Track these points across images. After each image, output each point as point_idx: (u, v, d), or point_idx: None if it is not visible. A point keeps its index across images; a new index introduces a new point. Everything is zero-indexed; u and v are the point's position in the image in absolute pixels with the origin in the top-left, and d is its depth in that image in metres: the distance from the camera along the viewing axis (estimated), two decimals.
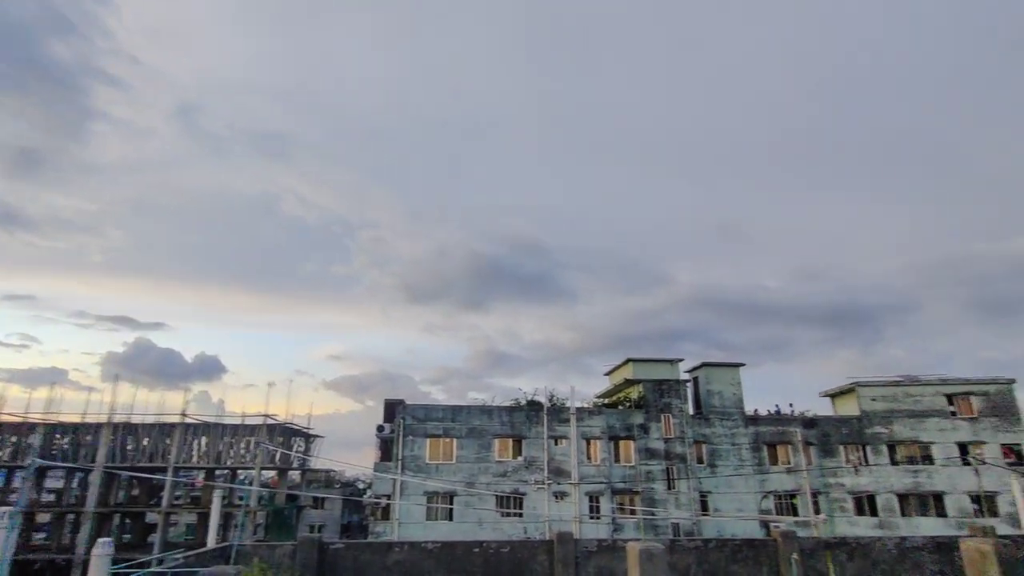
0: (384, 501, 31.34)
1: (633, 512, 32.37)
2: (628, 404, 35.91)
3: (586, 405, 37.08)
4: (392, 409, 33.53)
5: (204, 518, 38.20)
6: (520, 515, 31.74)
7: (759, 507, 33.40)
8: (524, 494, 32.07)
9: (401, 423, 32.55)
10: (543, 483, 32.16)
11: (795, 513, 33.54)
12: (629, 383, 36.82)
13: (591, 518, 32.06)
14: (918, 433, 35.59)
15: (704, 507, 33.43)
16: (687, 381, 36.49)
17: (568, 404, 34.19)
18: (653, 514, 31.90)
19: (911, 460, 35.20)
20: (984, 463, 33.52)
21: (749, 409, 36.61)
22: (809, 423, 36.13)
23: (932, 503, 34.14)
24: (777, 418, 36.63)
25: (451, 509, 31.40)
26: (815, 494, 33.93)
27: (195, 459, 38.81)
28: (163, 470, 36.41)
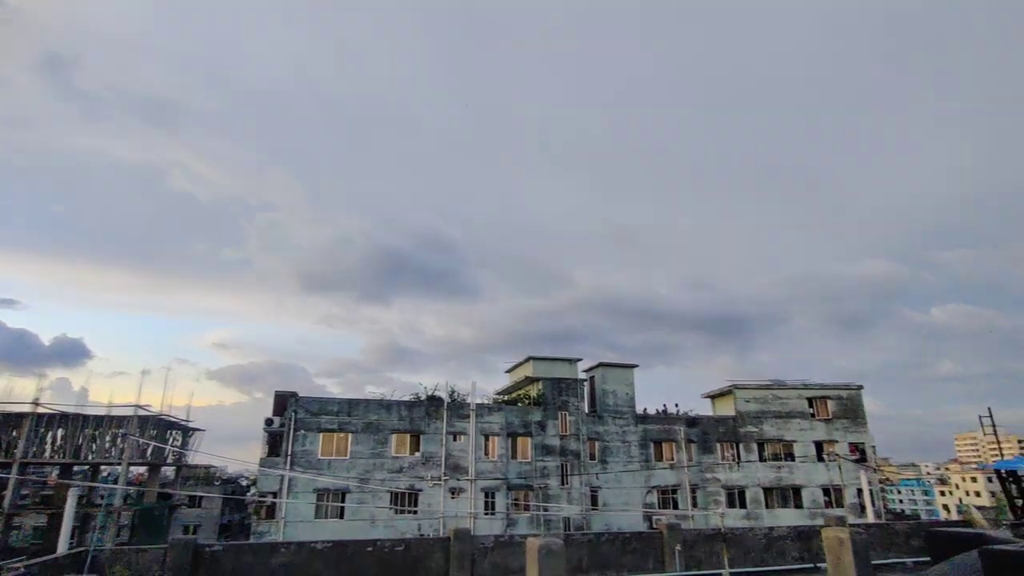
0: (270, 499, 29.60)
1: (527, 507, 32.99)
2: (527, 401, 36.53)
3: (486, 401, 37.27)
4: (283, 401, 31.72)
5: (57, 520, 34.07)
6: (415, 512, 31.28)
7: (644, 501, 35.30)
8: (420, 490, 31.63)
9: (292, 416, 30.91)
10: (440, 479, 31.91)
11: (676, 506, 35.82)
12: (529, 381, 37.47)
13: (486, 514, 32.26)
14: (783, 432, 39.26)
15: (594, 502, 34.77)
16: (584, 380, 37.77)
17: (468, 400, 34.17)
18: (547, 509, 32.70)
19: (776, 457, 38.79)
20: (836, 459, 37.68)
21: (639, 409, 38.56)
22: (692, 422, 38.69)
23: (791, 495, 37.85)
24: (664, 417, 38.88)
25: (342, 507, 30.29)
26: (694, 488, 36.44)
27: (48, 454, 34.49)
28: (7, 466, 32.02)
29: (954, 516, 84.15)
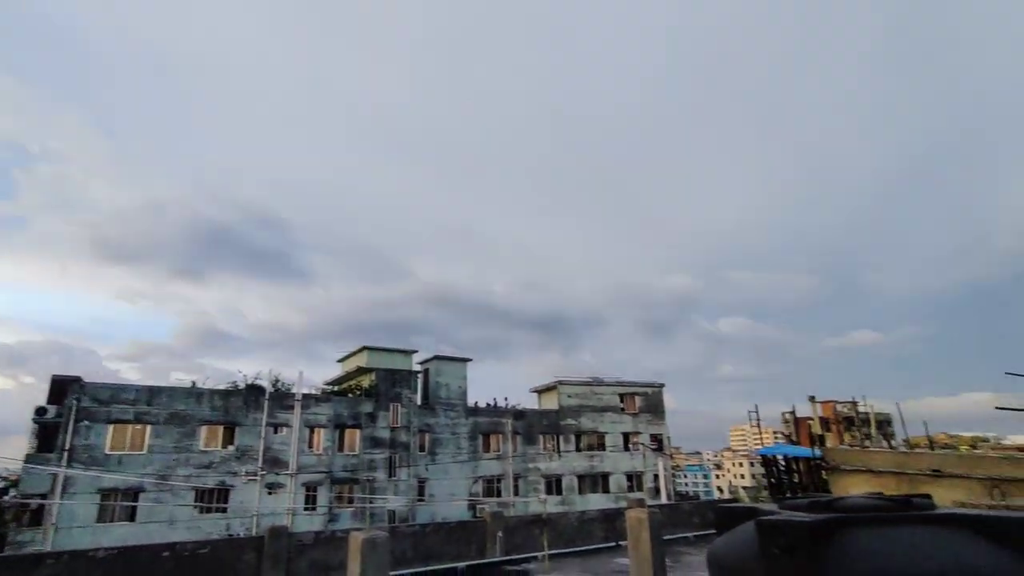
0: (36, 502, 25.01)
1: (351, 501, 32.01)
2: (359, 392, 35.45)
3: (314, 392, 35.43)
4: (63, 388, 27.00)
5: None
6: (225, 511, 28.63)
7: (470, 491, 36.29)
8: (232, 487, 29.04)
9: (74, 405, 26.45)
10: (257, 475, 29.60)
11: (499, 495, 37.37)
12: (362, 371, 36.40)
13: (306, 510, 30.67)
14: (598, 425, 42.99)
15: (421, 493, 34.88)
16: (419, 372, 37.69)
17: (294, 390, 32.18)
18: (372, 502, 32.03)
19: (591, 447, 42.35)
20: (639, 449, 42.26)
21: (471, 402, 39.52)
22: (519, 415, 40.64)
23: (601, 482, 41.62)
24: (493, 410, 40.31)
25: (134, 508, 26.67)
26: (516, 478, 38.32)
27: None
28: None
29: (726, 495, 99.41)
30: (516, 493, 37.75)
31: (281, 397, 31.83)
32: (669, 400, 47.37)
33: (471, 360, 40.20)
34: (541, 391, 45.73)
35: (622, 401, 44.91)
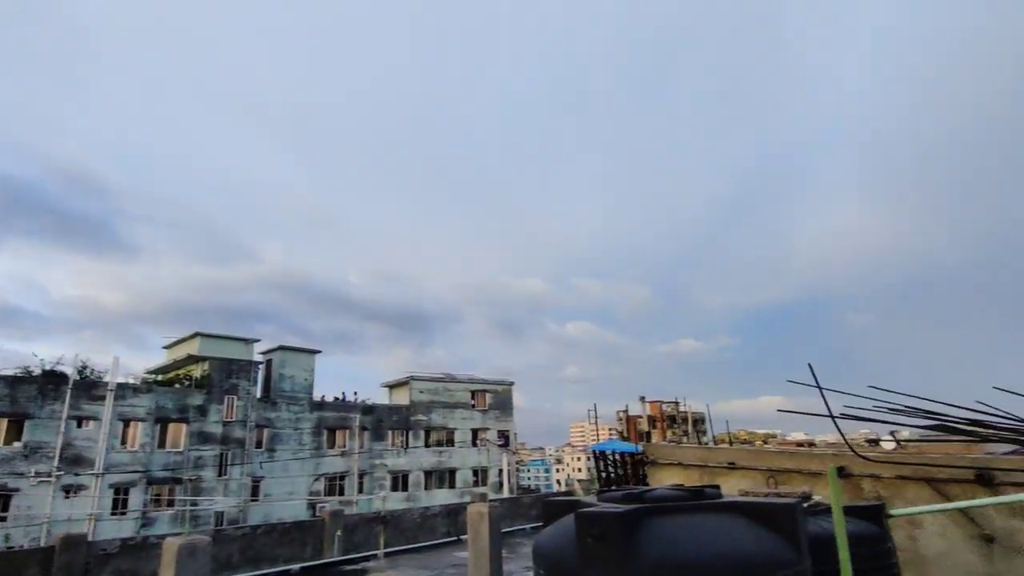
0: None
1: (171, 503, 28.89)
2: (189, 383, 32.13)
3: (132, 381, 31.44)
4: None
5: None
6: (3, 519, 24.28)
7: (311, 489, 34.57)
8: (16, 491, 24.74)
9: None
10: (51, 475, 25.52)
11: (342, 493, 36.07)
12: (193, 360, 33.03)
13: (114, 514, 27.08)
14: (448, 421, 43.33)
15: (255, 493, 32.51)
16: (260, 363, 35.14)
17: (107, 379, 28.29)
18: (196, 504, 29.18)
19: (439, 443, 42.55)
20: (486, 444, 43.36)
21: (317, 395, 37.73)
22: (368, 410, 39.59)
23: (448, 477, 41.99)
24: (341, 405, 38.85)
25: None
26: (362, 474, 37.29)
27: None
28: None
29: (563, 487, 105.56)
30: (361, 490, 36.74)
31: (89, 386, 27.80)
32: (517, 398, 49.28)
33: (320, 352, 38.40)
34: (393, 386, 44.99)
35: (473, 398, 45.70)
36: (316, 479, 35.13)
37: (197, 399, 31.19)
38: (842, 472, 6.30)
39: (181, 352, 34.12)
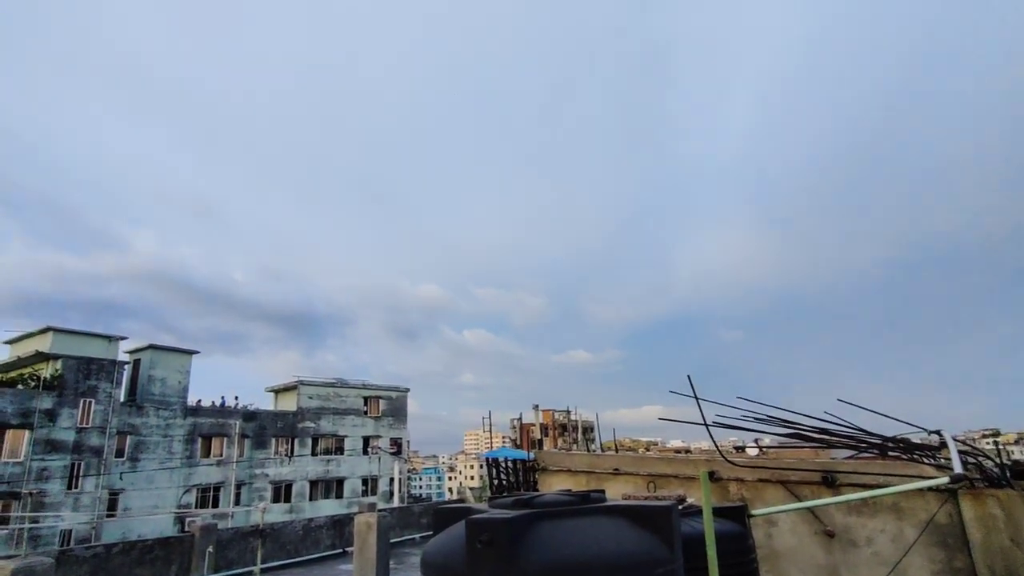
0: None
1: (5, 521, 25.27)
2: (35, 384, 28.40)
3: None
4: None
5: None
6: None
7: (180, 502, 31.73)
8: None
9: None
10: None
11: (217, 505, 33.45)
12: (43, 357, 29.25)
13: None
14: (338, 428, 41.69)
15: (113, 507, 29.29)
16: (126, 363, 31.86)
17: None
18: (36, 521, 25.73)
19: (328, 451, 40.80)
20: (378, 453, 42.19)
21: (193, 400, 34.85)
22: (250, 416, 37.16)
23: (335, 487, 40.32)
24: (219, 410, 36.15)
25: None
26: (240, 485, 34.83)
27: None
28: None
29: (455, 496, 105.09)
30: (238, 502, 34.29)
31: None
32: (412, 405, 48.47)
33: (197, 353, 35.47)
34: (279, 391, 42.61)
35: (366, 404, 44.37)
36: (187, 491, 32.33)
37: (46, 402, 27.63)
38: (713, 476, 6.83)
39: (28, 348, 30.07)
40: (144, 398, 32.26)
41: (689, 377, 6.45)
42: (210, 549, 13.18)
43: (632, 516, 2.95)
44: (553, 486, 8.41)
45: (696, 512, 3.98)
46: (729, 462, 6.60)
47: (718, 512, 3.91)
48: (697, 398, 6.38)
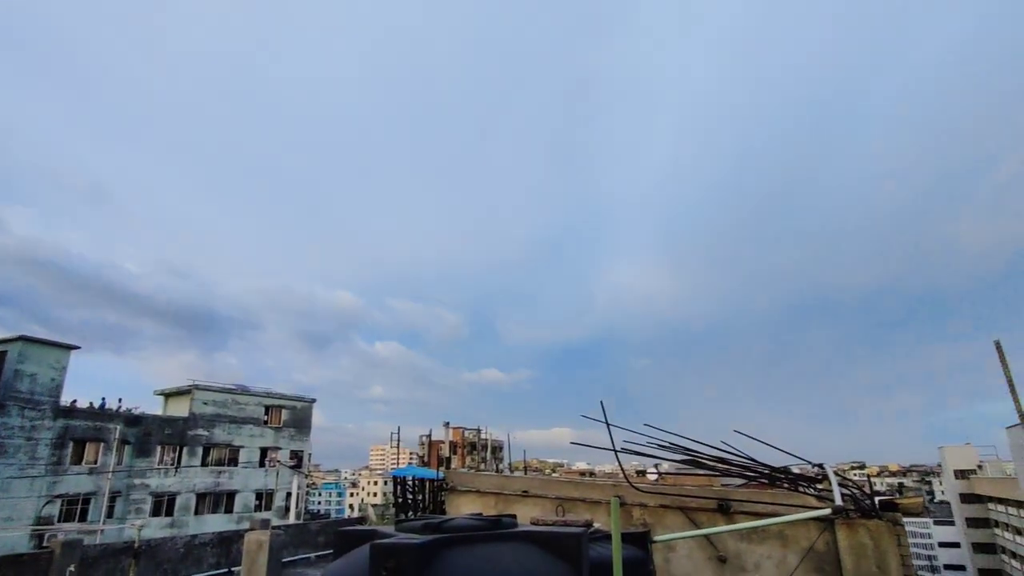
0: None
1: None
2: None
3: None
4: None
5: None
6: None
7: (39, 514, 28.33)
8: None
9: None
10: None
11: (85, 518, 30.19)
12: None
13: None
14: (234, 437, 39.11)
15: None
16: None
17: None
18: None
19: (220, 462, 38.09)
20: (276, 465, 39.93)
21: (67, 399, 31.47)
22: (133, 420, 34.08)
23: (225, 501, 37.62)
24: (98, 413, 32.84)
25: None
26: (115, 496, 31.71)
27: None
28: None
29: (356, 513, 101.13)
30: (111, 515, 31.18)
31: None
32: (317, 416, 46.44)
33: (77, 348, 32.07)
34: (170, 394, 39.45)
35: (267, 413, 41.98)
36: (49, 501, 28.97)
37: None
38: (620, 501, 7.02)
39: None
40: (7, 395, 28.74)
41: (602, 403, 6.61)
42: (71, 568, 11.83)
43: (542, 543, 2.95)
44: (461, 507, 8.29)
45: (602, 537, 4.04)
46: (634, 488, 6.80)
47: (623, 538, 3.99)
48: (608, 424, 6.54)
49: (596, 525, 5.07)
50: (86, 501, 30.82)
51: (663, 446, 7.22)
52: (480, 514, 3.67)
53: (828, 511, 3.83)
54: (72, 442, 30.76)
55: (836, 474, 6.53)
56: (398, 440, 43.77)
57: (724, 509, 6.51)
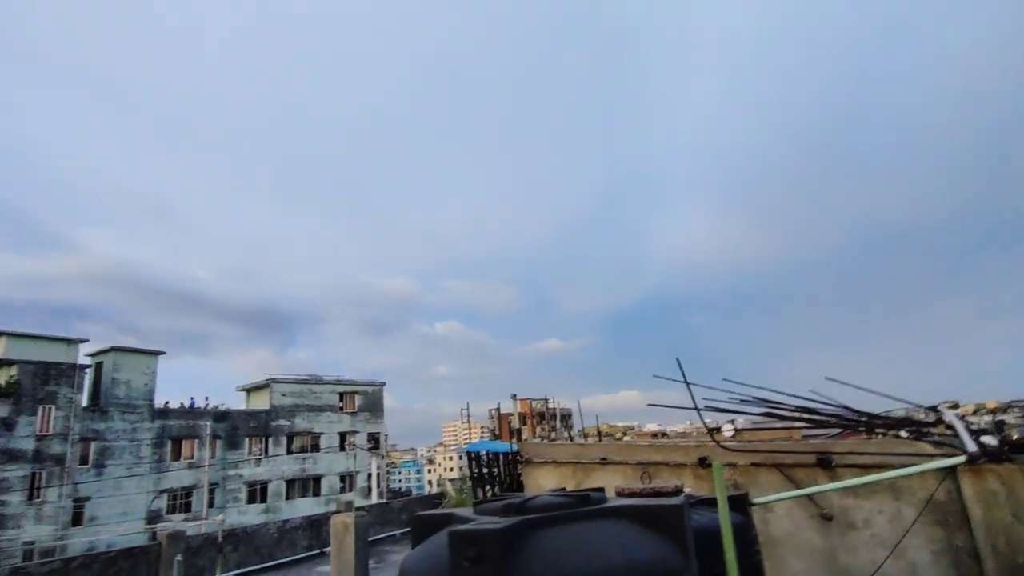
0: None
1: None
2: None
3: None
4: None
5: None
6: None
7: (149, 508, 30.66)
8: None
9: None
10: None
11: (189, 510, 32.46)
12: None
13: None
14: (313, 425, 40.86)
15: (79, 517, 28.13)
16: (87, 367, 30.54)
17: None
18: None
19: (304, 449, 39.96)
20: (354, 448, 41.53)
21: (160, 402, 33.67)
22: (221, 416, 36.12)
23: (312, 485, 39.56)
24: (189, 412, 35.02)
25: None
26: (213, 487, 33.86)
27: None
28: None
29: (436, 489, 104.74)
30: (212, 505, 33.35)
31: None
32: (388, 398, 47.76)
33: (163, 353, 34.22)
34: (251, 390, 41.53)
35: (341, 400, 43.58)
36: (157, 496, 31.27)
37: (0, 410, 26.28)
38: (703, 462, 6.58)
39: None
40: (108, 402, 31.00)
41: (678, 360, 6.15)
42: (178, 558, 12.57)
43: (639, 518, 2.60)
44: (538, 479, 8.09)
45: (696, 504, 3.65)
46: (721, 447, 6.35)
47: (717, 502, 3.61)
48: (687, 382, 6.09)
49: (687, 490, 4.61)
50: (188, 494, 33.10)
51: (745, 400, 6.70)
52: (564, 489, 3.35)
53: (962, 459, 3.29)
54: (170, 440, 32.97)
55: (960, 418, 5.83)
56: (468, 416, 44.59)
57: (825, 463, 5.95)
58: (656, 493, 4.06)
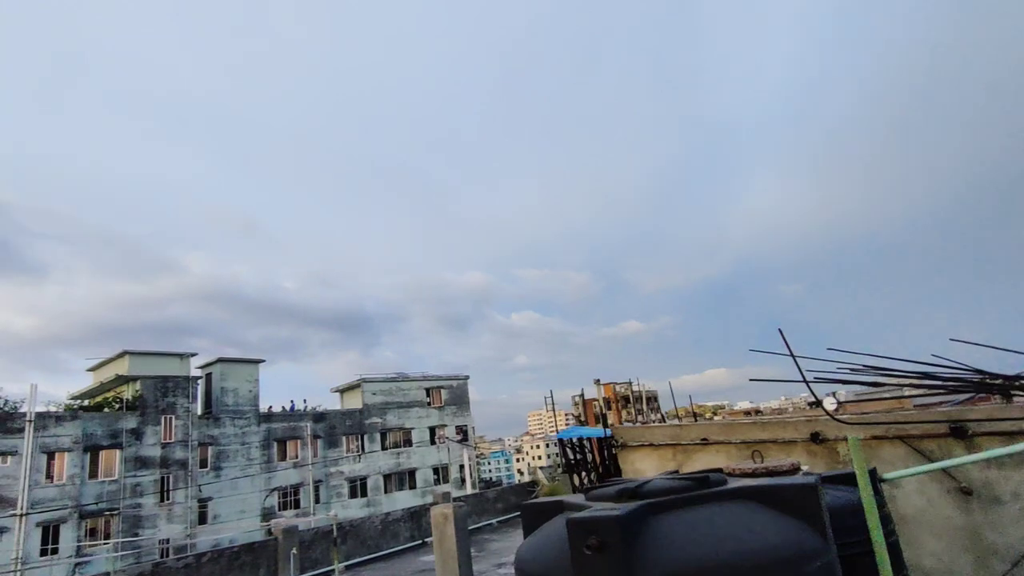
0: None
1: (108, 536, 26.86)
2: (119, 405, 29.92)
3: (53, 408, 29.00)
4: None
5: None
6: None
7: (263, 506, 32.98)
8: None
9: None
10: None
11: (298, 506, 34.64)
12: (122, 380, 30.75)
13: (44, 556, 24.90)
14: (404, 421, 42.35)
15: (203, 515, 30.72)
16: (199, 378, 33.15)
17: (24, 409, 25.93)
18: (137, 535, 27.24)
19: (396, 444, 41.54)
20: (445, 441, 42.69)
21: (263, 407, 36.04)
22: (319, 417, 38.16)
23: (408, 478, 41.09)
24: (290, 414, 37.26)
25: None
26: (317, 484, 35.92)
27: None
28: None
29: (526, 477, 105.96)
30: (318, 500, 35.41)
31: (3, 419, 25.37)
32: (472, 391, 48.67)
33: (263, 361, 36.63)
34: (343, 390, 43.59)
35: (428, 395, 44.85)
36: (269, 494, 33.57)
37: (131, 422, 29.07)
38: (817, 438, 6.14)
39: (108, 373, 31.70)
40: (219, 409, 33.55)
41: (780, 331, 5.75)
42: (294, 551, 13.38)
43: (767, 499, 2.39)
44: (635, 463, 7.89)
45: (821, 480, 3.37)
46: (836, 420, 5.89)
47: (843, 479, 3.31)
48: (792, 355, 5.68)
49: (804, 468, 4.28)
50: (296, 491, 35.29)
51: (855, 370, 6.17)
52: (676, 472, 3.17)
53: None
54: (275, 442, 35.25)
55: None
56: (552, 404, 44.57)
57: (960, 432, 5.37)
58: (771, 472, 3.79)
